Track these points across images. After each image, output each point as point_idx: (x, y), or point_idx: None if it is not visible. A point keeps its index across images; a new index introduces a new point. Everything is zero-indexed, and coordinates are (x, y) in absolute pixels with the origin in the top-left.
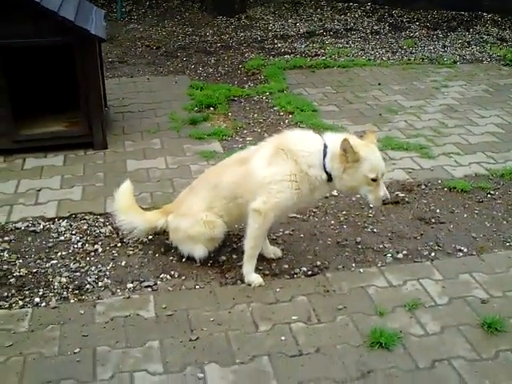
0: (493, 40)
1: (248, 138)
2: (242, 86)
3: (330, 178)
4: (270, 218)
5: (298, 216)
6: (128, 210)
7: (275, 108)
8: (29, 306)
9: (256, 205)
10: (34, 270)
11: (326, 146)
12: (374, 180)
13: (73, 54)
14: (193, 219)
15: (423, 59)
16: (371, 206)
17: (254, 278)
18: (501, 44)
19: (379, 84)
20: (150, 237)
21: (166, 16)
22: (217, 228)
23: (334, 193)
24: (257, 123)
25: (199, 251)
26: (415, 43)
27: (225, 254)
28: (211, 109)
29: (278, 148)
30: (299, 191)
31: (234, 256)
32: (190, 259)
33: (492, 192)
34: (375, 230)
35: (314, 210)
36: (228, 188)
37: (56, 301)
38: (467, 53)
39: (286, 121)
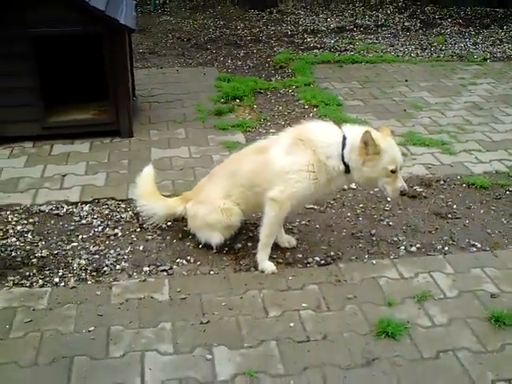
0: None
1: (271, 130)
2: (269, 79)
3: (347, 169)
4: (286, 207)
5: (315, 207)
6: (149, 196)
7: (300, 101)
8: (48, 285)
9: (273, 194)
10: (55, 252)
11: (345, 138)
12: (392, 172)
13: (102, 43)
14: (210, 207)
15: (452, 56)
16: (389, 198)
17: (268, 266)
18: None
19: (406, 80)
20: (169, 223)
21: (198, 9)
22: (234, 216)
23: (353, 186)
24: (281, 116)
25: (216, 238)
26: (445, 40)
27: (240, 241)
28: (237, 101)
29: (296, 138)
30: (316, 181)
31: (250, 244)
32: (207, 246)
33: (511, 189)
34: (391, 223)
35: (331, 202)
36: (246, 176)
37: (74, 281)
38: (498, 50)
39: (311, 114)
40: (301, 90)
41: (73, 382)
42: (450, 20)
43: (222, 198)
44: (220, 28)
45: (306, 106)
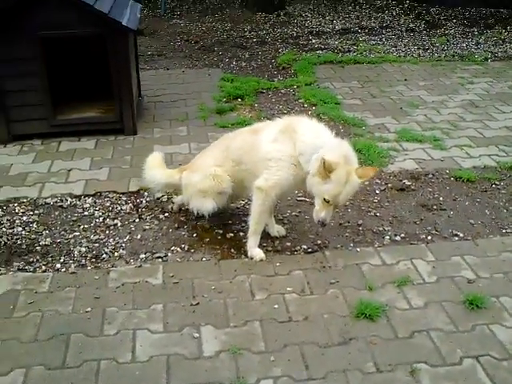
0: None
1: None
2: (272, 79)
3: None
4: (271, 195)
5: (307, 199)
6: (153, 167)
7: (300, 100)
8: (50, 270)
9: (258, 182)
10: (58, 240)
11: (322, 147)
12: (326, 201)
13: (106, 44)
14: (203, 173)
15: (454, 56)
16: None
17: (257, 253)
18: None
19: (405, 80)
20: (166, 214)
21: (207, 12)
22: (225, 182)
23: None
24: (280, 114)
25: (208, 205)
26: (448, 40)
27: (233, 231)
28: (239, 100)
29: (286, 127)
30: (295, 174)
31: (241, 234)
32: (200, 234)
33: (497, 182)
34: (378, 214)
35: None
36: (236, 153)
37: (75, 267)
38: (500, 50)
39: (309, 112)
40: (301, 90)
41: (69, 356)
42: (454, 21)
43: (214, 166)
44: (227, 31)
45: (306, 105)
